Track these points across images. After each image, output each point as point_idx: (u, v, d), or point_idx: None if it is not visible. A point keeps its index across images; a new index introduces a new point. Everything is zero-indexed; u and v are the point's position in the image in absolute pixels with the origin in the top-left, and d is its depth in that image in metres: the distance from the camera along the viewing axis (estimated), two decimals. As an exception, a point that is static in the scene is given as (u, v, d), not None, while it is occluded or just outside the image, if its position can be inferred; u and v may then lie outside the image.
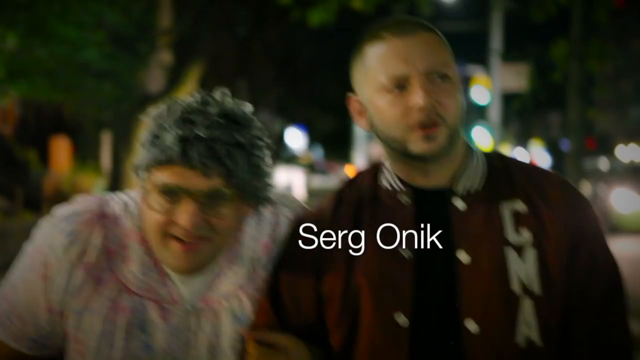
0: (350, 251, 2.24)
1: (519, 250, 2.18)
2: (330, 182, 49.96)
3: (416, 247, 2.20)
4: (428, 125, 2.14)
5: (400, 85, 2.16)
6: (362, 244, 2.24)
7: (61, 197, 19.10)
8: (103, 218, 2.28)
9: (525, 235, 2.19)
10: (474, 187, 2.23)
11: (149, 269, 2.26)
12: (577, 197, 2.26)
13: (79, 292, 2.24)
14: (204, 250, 2.18)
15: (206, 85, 22.33)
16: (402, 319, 2.16)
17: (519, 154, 52.81)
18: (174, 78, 19.77)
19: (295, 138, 53.44)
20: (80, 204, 2.31)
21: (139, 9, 15.34)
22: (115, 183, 19.45)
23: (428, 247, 2.20)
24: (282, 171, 34.92)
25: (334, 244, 2.26)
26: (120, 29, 15.27)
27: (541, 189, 2.24)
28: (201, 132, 2.12)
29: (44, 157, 22.51)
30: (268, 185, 2.24)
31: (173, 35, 19.62)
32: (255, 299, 2.29)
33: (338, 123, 48.91)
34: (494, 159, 2.30)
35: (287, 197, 2.45)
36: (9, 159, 20.16)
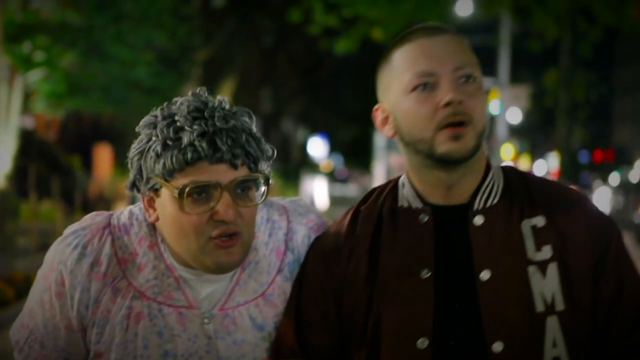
0: (370, 274, 2.16)
1: (541, 267, 2.09)
2: (350, 190, 50.95)
3: (436, 267, 2.11)
4: (456, 123, 2.07)
5: (428, 84, 2.09)
6: (382, 263, 2.16)
7: (105, 200, 20.79)
8: (110, 227, 2.24)
9: (546, 252, 2.10)
10: (490, 202, 2.14)
11: (162, 273, 2.21)
12: (597, 213, 2.17)
13: (97, 304, 2.20)
14: (239, 244, 2.15)
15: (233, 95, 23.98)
16: (422, 342, 2.08)
17: (539, 166, 53.71)
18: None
19: (316, 146, 54.34)
20: (86, 220, 2.28)
21: (183, 32, 17.04)
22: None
23: (448, 266, 2.12)
24: (306, 179, 35.97)
25: (352, 265, 2.19)
26: (167, 49, 16.96)
27: (561, 203, 2.15)
28: (220, 124, 2.09)
29: (87, 163, 24.09)
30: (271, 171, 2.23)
31: (206, 53, 21.27)
32: (274, 306, 2.25)
33: (358, 132, 50.08)
34: (511, 173, 2.21)
35: (298, 203, 2.39)
36: (55, 164, 21.69)
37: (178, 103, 2.14)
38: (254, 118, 2.21)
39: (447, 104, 2.06)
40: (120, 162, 24.63)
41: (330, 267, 2.21)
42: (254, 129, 2.18)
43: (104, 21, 14.61)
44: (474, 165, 2.14)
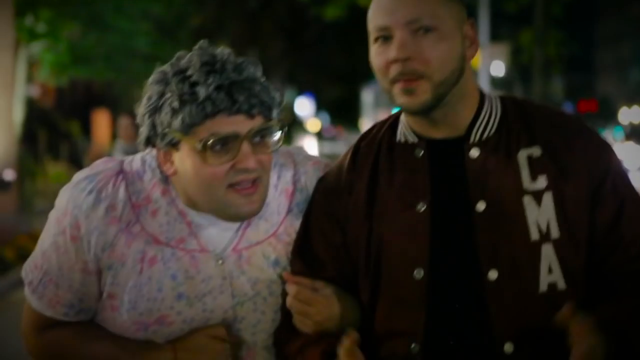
0: (369, 207, 2.19)
1: (536, 196, 2.09)
2: (338, 147, 51.44)
3: (432, 200, 2.13)
4: (406, 78, 2.07)
5: (384, 37, 2.10)
6: (380, 197, 2.19)
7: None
8: (123, 173, 2.26)
9: (542, 181, 2.10)
10: (487, 134, 2.14)
11: (174, 219, 2.24)
12: (596, 139, 2.16)
13: (112, 248, 2.22)
14: (260, 191, 2.20)
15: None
16: (418, 273, 2.10)
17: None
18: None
19: (303, 106, 54.58)
20: (98, 165, 2.29)
21: (178, 2, 17.84)
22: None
23: (445, 199, 2.13)
24: (297, 138, 36.63)
25: (353, 198, 2.22)
26: (163, 19, 17.75)
27: (558, 131, 2.14)
28: (234, 76, 2.12)
29: (83, 128, 24.85)
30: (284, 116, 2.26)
31: (198, 20, 22.02)
32: (286, 244, 2.29)
33: (344, 91, 50.58)
34: (509, 103, 2.19)
35: (301, 148, 2.45)
36: (54, 130, 22.42)
37: (187, 58, 2.17)
38: (260, 67, 2.23)
39: (394, 60, 2.08)
40: (116, 126, 25.41)
41: (334, 200, 2.25)
42: (263, 77, 2.21)
43: (105, -7, 15.40)
44: (454, 105, 2.14)
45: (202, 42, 2.20)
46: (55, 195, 2.35)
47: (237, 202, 2.18)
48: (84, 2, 15.26)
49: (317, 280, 2.20)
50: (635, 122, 51.39)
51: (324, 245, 2.25)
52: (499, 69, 26.69)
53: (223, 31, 24.17)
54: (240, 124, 2.14)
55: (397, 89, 2.10)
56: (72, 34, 16.15)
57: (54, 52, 16.03)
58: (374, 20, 2.12)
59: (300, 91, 52.44)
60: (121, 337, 2.26)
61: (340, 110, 54.85)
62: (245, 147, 2.15)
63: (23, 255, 11.24)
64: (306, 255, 2.26)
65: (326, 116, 63.44)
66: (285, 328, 2.25)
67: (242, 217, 2.23)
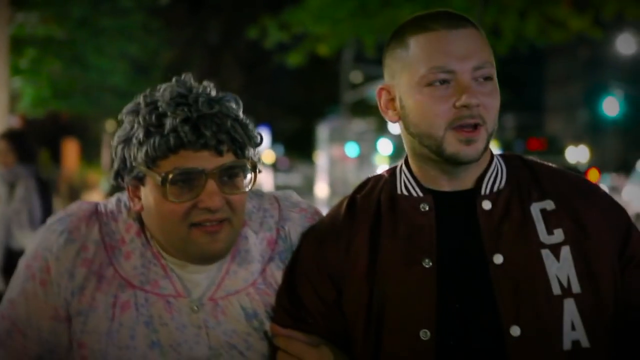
0: (371, 264, 2.07)
1: (554, 250, 2.02)
2: (293, 179, 52.46)
3: (439, 255, 2.03)
4: (471, 126, 1.99)
5: (445, 80, 1.98)
6: (382, 253, 2.07)
7: (74, 191, 22.80)
8: (97, 214, 2.16)
9: (559, 235, 2.03)
10: (497, 187, 2.08)
11: (149, 261, 2.12)
12: (609, 198, 2.13)
13: (82, 292, 2.10)
14: (226, 232, 2.07)
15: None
16: (424, 333, 1.99)
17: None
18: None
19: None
20: (72, 207, 2.20)
21: (152, 43, 19.23)
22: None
23: (454, 254, 2.03)
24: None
25: (352, 255, 2.09)
26: (139, 58, 19.10)
27: (570, 189, 2.10)
28: (204, 110, 2.01)
29: (56, 157, 25.98)
30: (260, 157, 2.14)
31: (167, 58, 23.45)
32: (265, 294, 2.16)
33: (300, 124, 51.91)
34: (512, 160, 2.15)
35: (289, 194, 2.32)
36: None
37: (162, 89, 2.07)
38: (241, 104, 2.13)
39: (464, 106, 1.98)
40: (84, 156, 26.67)
41: (326, 252, 2.13)
42: (241, 114, 2.10)
43: (85, 35, 16.60)
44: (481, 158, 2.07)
45: (187, 75, 2.13)
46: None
47: (200, 240, 2.07)
48: (66, 42, 16.48)
49: (310, 335, 2.13)
50: (583, 161, 52.88)
51: (314, 298, 2.14)
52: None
53: (188, 67, 25.63)
54: (206, 160, 2.03)
55: (455, 136, 2.02)
56: (53, 69, 17.34)
57: (35, 86, 17.22)
58: (433, 61, 2.02)
59: (257, 123, 53.49)
60: None
61: (295, 143, 55.98)
62: (211, 185, 2.04)
63: None
64: (293, 308, 2.14)
65: (281, 148, 64.34)
66: None
67: (206, 258, 2.11)
